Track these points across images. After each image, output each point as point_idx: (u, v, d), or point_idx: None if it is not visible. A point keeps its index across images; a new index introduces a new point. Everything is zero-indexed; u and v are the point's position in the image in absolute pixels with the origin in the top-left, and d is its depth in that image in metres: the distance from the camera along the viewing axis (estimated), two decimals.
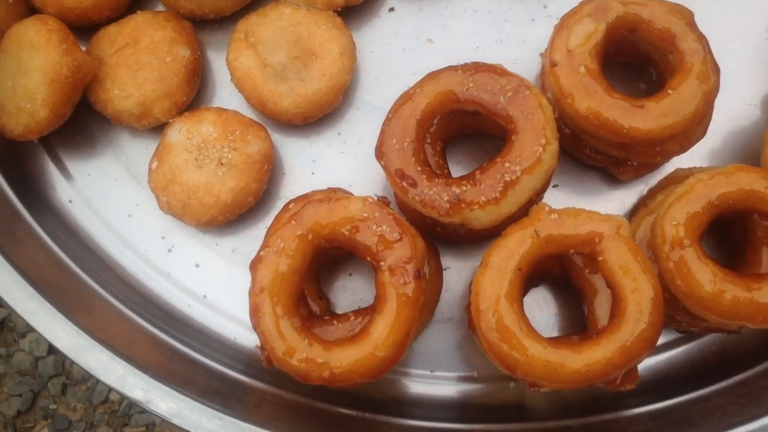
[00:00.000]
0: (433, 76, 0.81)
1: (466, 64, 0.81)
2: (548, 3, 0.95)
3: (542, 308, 0.87)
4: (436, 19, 0.95)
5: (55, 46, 0.83)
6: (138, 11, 0.92)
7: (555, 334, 0.87)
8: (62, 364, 1.97)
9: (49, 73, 0.83)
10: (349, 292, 0.88)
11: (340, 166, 0.92)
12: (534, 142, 0.76)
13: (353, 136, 0.92)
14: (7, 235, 0.83)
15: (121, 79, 0.87)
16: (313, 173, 0.91)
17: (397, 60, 0.94)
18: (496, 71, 0.79)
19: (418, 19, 0.95)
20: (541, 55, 0.92)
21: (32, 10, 0.92)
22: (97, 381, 1.90)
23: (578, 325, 0.86)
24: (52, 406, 1.92)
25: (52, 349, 1.98)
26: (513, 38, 0.94)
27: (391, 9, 0.95)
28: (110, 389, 1.93)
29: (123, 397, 0.75)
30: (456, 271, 0.89)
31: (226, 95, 0.94)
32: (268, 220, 0.90)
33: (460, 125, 0.86)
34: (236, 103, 0.94)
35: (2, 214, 0.85)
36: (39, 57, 0.83)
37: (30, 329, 1.97)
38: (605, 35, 0.80)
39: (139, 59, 0.87)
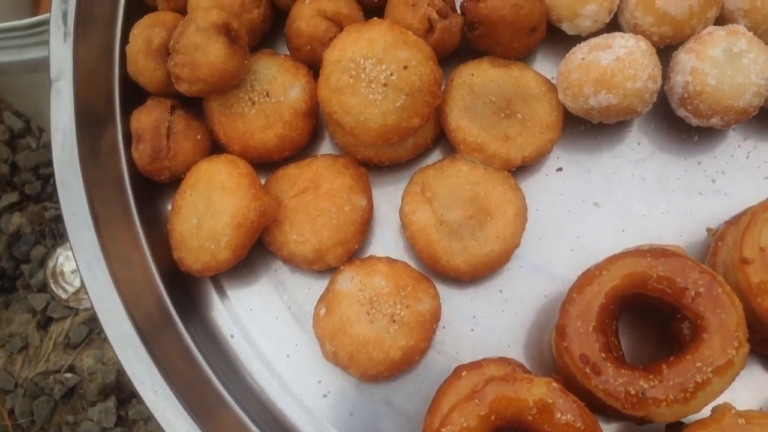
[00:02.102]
0: (618, 258, 0.81)
1: (652, 249, 0.81)
2: (717, 177, 0.95)
3: None
4: (603, 183, 0.96)
5: (245, 191, 0.85)
6: (318, 155, 0.94)
7: None
8: None
9: (236, 216, 0.84)
10: None
11: (501, 324, 0.91)
12: (727, 343, 0.75)
13: (515, 295, 0.92)
14: (176, 372, 0.83)
15: (300, 225, 0.88)
16: (472, 330, 0.91)
17: (561, 221, 0.95)
18: (687, 262, 0.79)
19: (585, 182, 0.96)
20: (708, 230, 0.92)
21: (215, 144, 0.94)
22: None
23: None
24: None
25: (120, 421, 1.97)
26: (679, 210, 0.94)
27: (559, 169, 0.96)
28: None
29: None
30: None
31: (389, 241, 0.95)
32: (424, 374, 0.90)
33: (633, 303, 0.85)
34: (399, 247, 0.95)
35: (175, 349, 0.85)
36: (229, 200, 0.84)
37: (101, 399, 1.98)
38: None
39: (319, 205, 0.89)
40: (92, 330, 2.06)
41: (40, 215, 2.18)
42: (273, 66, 0.93)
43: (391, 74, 0.84)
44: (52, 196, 2.18)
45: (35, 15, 1.72)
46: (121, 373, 1.99)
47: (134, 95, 0.95)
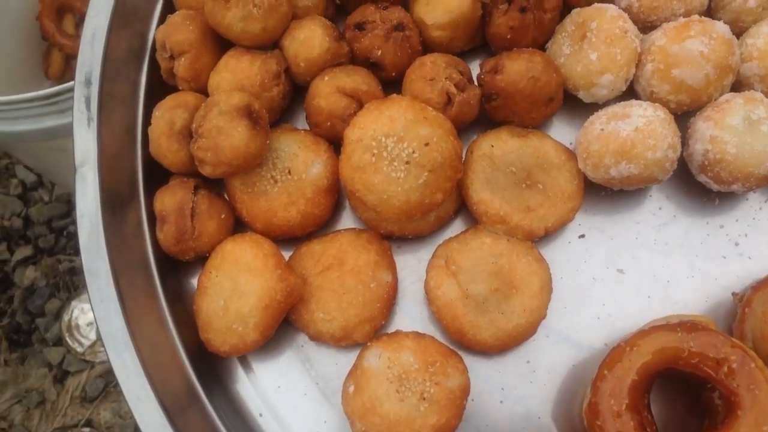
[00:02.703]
0: (648, 333, 0.81)
1: (682, 323, 0.81)
2: (739, 240, 0.95)
3: None
4: (626, 249, 0.96)
5: (271, 272, 0.85)
6: (341, 229, 0.94)
7: None
8: None
9: (263, 298, 0.84)
10: None
11: (530, 395, 0.91)
12: (762, 420, 0.75)
13: (542, 366, 0.92)
14: None
15: (326, 303, 0.88)
16: (501, 402, 0.91)
17: (586, 288, 0.94)
18: (719, 337, 0.79)
19: (608, 248, 0.96)
20: (733, 294, 0.92)
21: (238, 221, 0.95)
22: None
23: None
24: None
25: None
26: (704, 274, 0.94)
27: (582, 236, 0.96)
28: None
29: None
30: None
31: (415, 312, 0.95)
32: None
33: (664, 376, 0.85)
34: (424, 318, 0.95)
35: (205, 430, 0.85)
36: (255, 282, 0.85)
37: None
38: None
39: (344, 283, 0.89)
40: (108, 383, 2.05)
41: (54, 268, 2.18)
42: (294, 143, 0.94)
43: (413, 152, 0.85)
44: (66, 249, 2.19)
45: (46, 79, 1.75)
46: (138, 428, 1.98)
47: (157, 174, 0.95)
